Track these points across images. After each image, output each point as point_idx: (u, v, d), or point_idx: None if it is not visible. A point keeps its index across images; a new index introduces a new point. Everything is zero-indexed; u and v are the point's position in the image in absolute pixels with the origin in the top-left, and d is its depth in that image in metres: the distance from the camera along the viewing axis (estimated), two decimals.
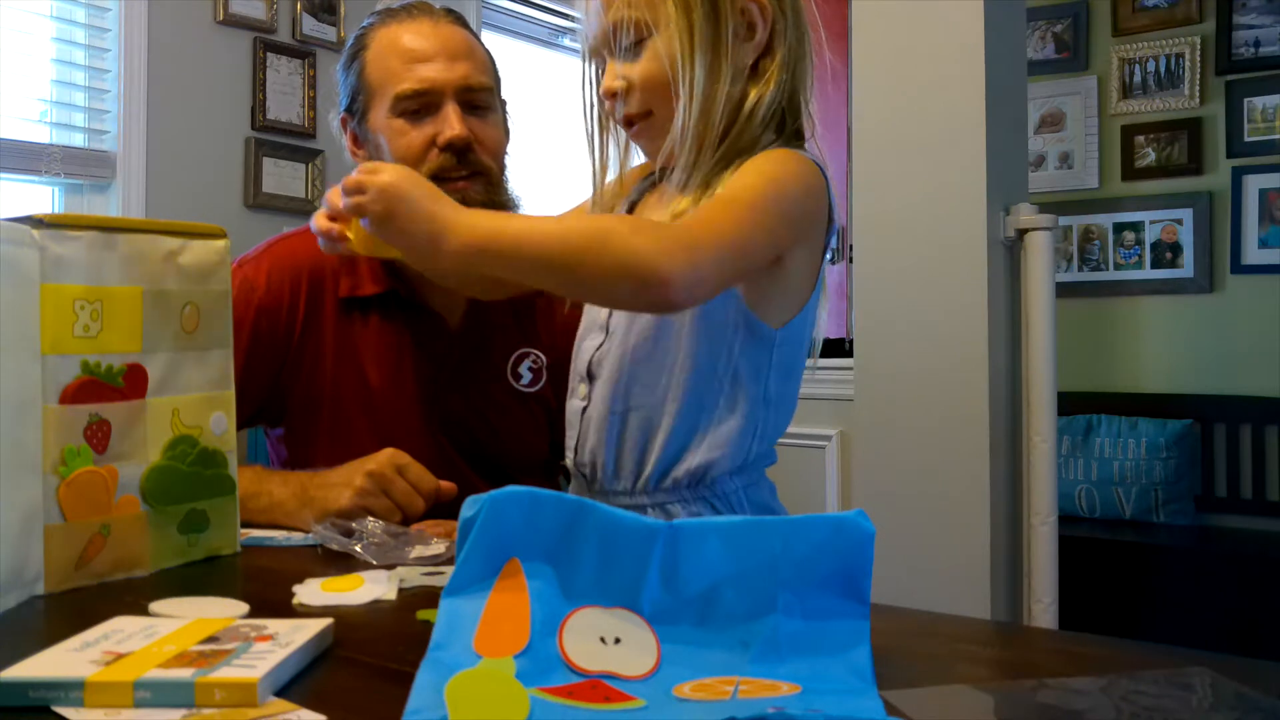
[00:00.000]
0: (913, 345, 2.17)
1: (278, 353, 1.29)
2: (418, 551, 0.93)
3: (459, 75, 1.25)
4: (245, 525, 1.03)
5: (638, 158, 1.04)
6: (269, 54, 2.73)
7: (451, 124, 1.22)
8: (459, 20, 1.32)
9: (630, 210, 1.05)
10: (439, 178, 1.18)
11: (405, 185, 0.84)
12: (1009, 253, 2.15)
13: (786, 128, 0.98)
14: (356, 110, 1.30)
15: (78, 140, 2.46)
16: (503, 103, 1.35)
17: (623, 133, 1.01)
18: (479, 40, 1.34)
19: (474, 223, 0.84)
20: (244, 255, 1.33)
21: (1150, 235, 3.54)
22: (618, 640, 0.59)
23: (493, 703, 0.53)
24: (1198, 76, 3.48)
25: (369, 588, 0.81)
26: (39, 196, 2.42)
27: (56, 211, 2.23)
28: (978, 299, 2.09)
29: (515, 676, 0.55)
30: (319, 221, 0.93)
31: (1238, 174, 3.40)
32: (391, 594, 0.80)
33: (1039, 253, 2.11)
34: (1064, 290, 3.07)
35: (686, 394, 0.94)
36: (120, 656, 0.59)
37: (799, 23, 0.98)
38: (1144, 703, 0.57)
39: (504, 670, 0.55)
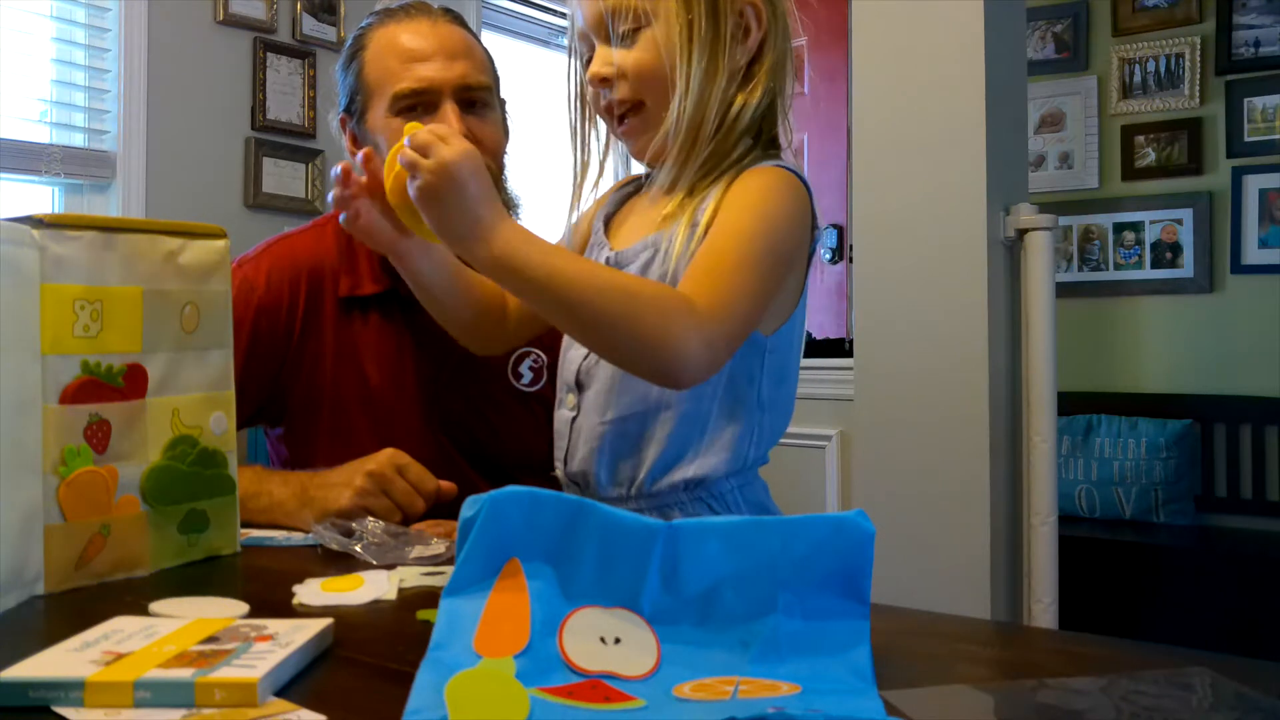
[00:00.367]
0: (913, 345, 2.17)
1: (277, 352, 1.29)
2: (418, 551, 0.93)
3: (457, 74, 1.25)
4: (245, 525, 1.03)
5: (618, 153, 1.03)
6: (269, 54, 2.73)
7: (449, 123, 1.22)
8: (457, 20, 1.32)
9: (608, 221, 1.04)
10: None
11: (465, 172, 0.84)
12: (1009, 253, 2.15)
13: (763, 135, 0.98)
14: (355, 110, 1.30)
15: (78, 140, 2.46)
16: (502, 102, 1.35)
17: (604, 128, 1.00)
18: (478, 40, 1.34)
19: (513, 240, 0.83)
20: (244, 255, 1.33)
21: (1150, 235, 3.55)
22: (618, 640, 0.59)
23: (493, 703, 0.53)
24: (1198, 76, 3.48)
25: (369, 588, 0.80)
26: (39, 196, 2.42)
27: (56, 211, 2.23)
28: (978, 299, 2.09)
29: (515, 676, 0.55)
30: (337, 190, 0.93)
31: (1238, 174, 3.40)
32: (391, 594, 0.80)
33: (1039, 253, 2.11)
34: (1064, 290, 3.07)
35: (679, 403, 0.93)
36: (120, 656, 0.59)
37: (787, 31, 0.98)
38: (1144, 703, 0.57)
39: (504, 670, 0.55)
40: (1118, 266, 3.60)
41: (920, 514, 2.13)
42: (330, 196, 0.95)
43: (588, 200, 1.04)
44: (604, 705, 0.54)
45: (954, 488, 2.10)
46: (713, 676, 0.58)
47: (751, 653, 0.59)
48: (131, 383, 0.87)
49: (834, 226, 3.72)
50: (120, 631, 0.64)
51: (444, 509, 1.12)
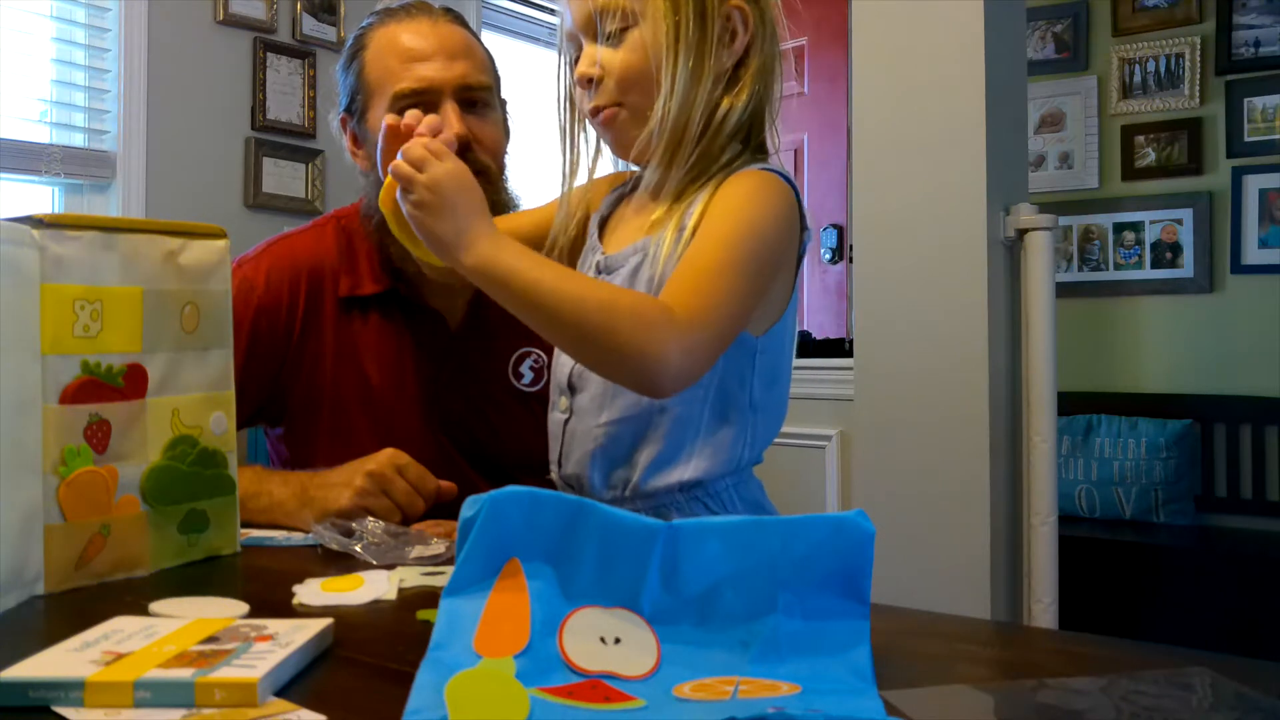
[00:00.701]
0: (913, 345, 2.17)
1: (277, 352, 1.29)
2: (418, 551, 0.93)
3: (457, 74, 1.25)
4: (245, 525, 1.03)
5: (608, 154, 1.03)
6: (269, 54, 2.73)
7: (450, 122, 1.22)
8: (458, 19, 1.32)
9: (603, 225, 1.04)
10: None
11: (453, 186, 0.85)
12: (1009, 253, 2.15)
13: (751, 140, 0.98)
14: (356, 110, 1.30)
15: (78, 140, 2.46)
16: (502, 102, 1.35)
17: (594, 130, 1.00)
18: (478, 39, 1.34)
19: (497, 251, 0.84)
20: (244, 255, 1.33)
21: (1150, 235, 3.55)
22: (618, 640, 0.59)
23: (493, 703, 0.53)
24: (1198, 76, 3.48)
25: (369, 588, 0.80)
26: (39, 196, 2.42)
27: (56, 211, 2.23)
28: (978, 299, 2.09)
29: (515, 676, 0.55)
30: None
31: (1238, 174, 3.40)
32: (391, 594, 0.80)
33: (1039, 253, 2.11)
34: (1064, 290, 3.08)
35: (671, 406, 0.93)
36: (120, 656, 0.59)
37: (774, 36, 0.98)
38: (1144, 703, 0.57)
39: (504, 670, 0.55)
40: (1118, 266, 3.60)
41: (920, 514, 2.13)
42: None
43: (578, 199, 1.04)
44: (604, 705, 0.54)
45: (954, 488, 2.10)
46: (713, 676, 0.58)
47: (751, 653, 0.59)
48: (131, 383, 0.87)
49: (834, 226, 3.72)
50: (120, 631, 0.64)
51: (444, 509, 1.12)
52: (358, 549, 0.93)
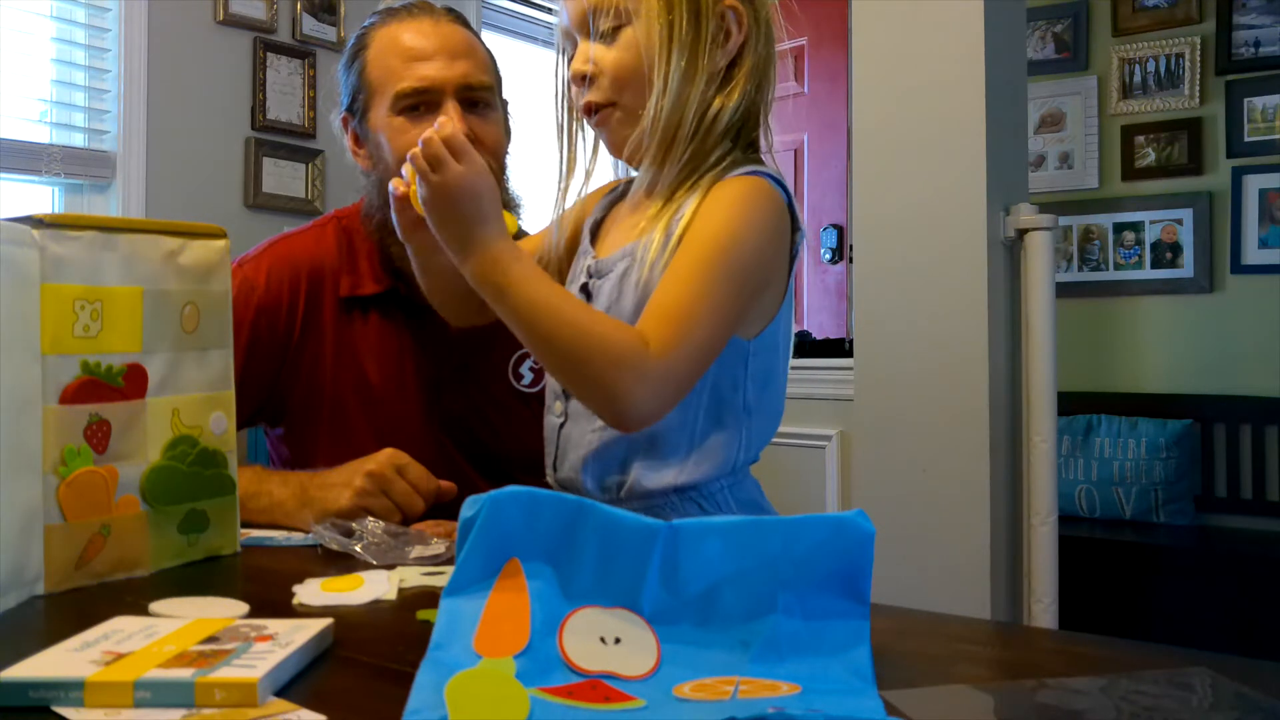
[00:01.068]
0: (913, 345, 2.17)
1: (277, 352, 1.29)
2: (418, 551, 0.93)
3: (459, 73, 1.25)
4: (245, 525, 1.03)
5: (604, 152, 1.03)
6: (269, 54, 2.73)
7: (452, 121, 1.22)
8: (459, 19, 1.32)
9: (596, 229, 1.04)
10: None
11: (465, 190, 0.86)
12: (1009, 253, 2.15)
13: (742, 139, 0.97)
14: (357, 109, 1.30)
15: (78, 140, 2.46)
16: (504, 103, 1.34)
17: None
18: (479, 39, 1.34)
19: (497, 263, 0.86)
20: (244, 255, 1.33)
21: (1150, 235, 3.55)
22: (618, 640, 0.59)
23: (493, 703, 0.53)
24: (1198, 76, 3.48)
25: (369, 588, 0.80)
26: (39, 196, 2.42)
27: (56, 211, 2.23)
28: (978, 299, 2.09)
29: (515, 676, 0.55)
30: (398, 185, 0.94)
31: (1238, 174, 3.40)
32: (391, 594, 0.80)
33: (1039, 253, 2.11)
34: (1064, 290, 3.07)
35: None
36: (120, 656, 0.59)
37: (769, 36, 0.98)
38: (1144, 703, 0.57)
39: (504, 670, 0.55)
40: (1118, 266, 3.60)
41: (920, 514, 2.13)
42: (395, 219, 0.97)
43: (573, 199, 1.04)
44: (604, 705, 0.54)
45: (954, 488, 2.10)
46: (713, 676, 0.58)
47: (751, 653, 0.59)
48: (131, 383, 0.87)
49: (834, 226, 3.72)
50: (120, 631, 0.64)
51: (444, 509, 1.12)
52: (358, 549, 0.93)
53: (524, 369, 1.35)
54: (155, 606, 0.74)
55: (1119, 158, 3.61)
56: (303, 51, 2.81)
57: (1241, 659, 0.62)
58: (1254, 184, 3.38)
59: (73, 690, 0.55)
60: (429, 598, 0.78)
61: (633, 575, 0.61)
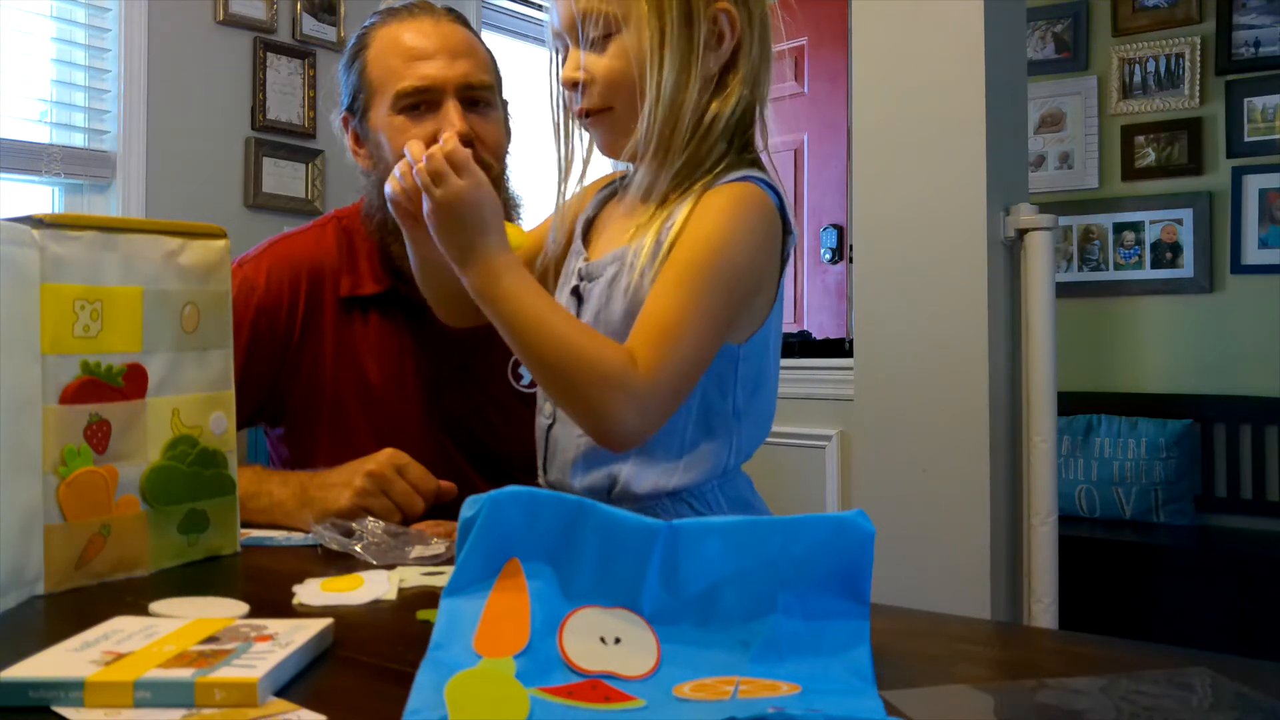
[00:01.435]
0: (913, 345, 2.17)
1: (277, 352, 1.29)
2: (418, 551, 0.93)
3: (459, 73, 1.25)
4: (245, 525, 1.03)
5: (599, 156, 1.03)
6: (269, 54, 2.73)
7: (452, 121, 1.22)
8: (460, 19, 1.32)
9: (589, 225, 1.04)
10: None
11: (466, 204, 0.87)
12: (1009, 253, 2.15)
13: (738, 139, 0.96)
14: (358, 109, 1.30)
15: (78, 140, 2.46)
16: (504, 103, 1.35)
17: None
18: (480, 39, 1.34)
19: (492, 274, 0.86)
20: (244, 255, 1.33)
21: (1150, 235, 3.54)
22: (618, 640, 0.59)
23: (493, 703, 0.53)
24: (1198, 76, 3.48)
25: (369, 588, 0.80)
26: (39, 196, 2.42)
27: (56, 211, 2.23)
28: (978, 299, 2.09)
29: (515, 676, 0.55)
30: (393, 185, 0.94)
31: (1238, 174, 3.40)
32: (391, 594, 0.80)
33: (1039, 253, 2.11)
34: (1064, 290, 3.07)
35: None
36: (120, 656, 0.59)
37: (765, 38, 0.97)
38: (1144, 703, 0.57)
39: (504, 670, 0.55)
40: (1118, 266, 3.60)
41: (920, 514, 2.13)
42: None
43: (572, 213, 1.04)
44: (604, 705, 0.54)
45: (954, 488, 2.10)
46: (713, 676, 0.58)
47: (751, 653, 0.59)
48: (131, 383, 0.87)
49: (834, 226, 3.72)
50: (120, 631, 0.64)
51: (444, 509, 1.12)
52: (358, 549, 0.93)
53: (523, 369, 1.35)
54: (155, 606, 0.74)
55: (1119, 158, 3.61)
56: (303, 51, 2.81)
57: (1241, 659, 0.62)
58: (1254, 184, 3.38)
59: (73, 690, 0.55)
60: (429, 598, 0.78)
61: (633, 575, 0.61)
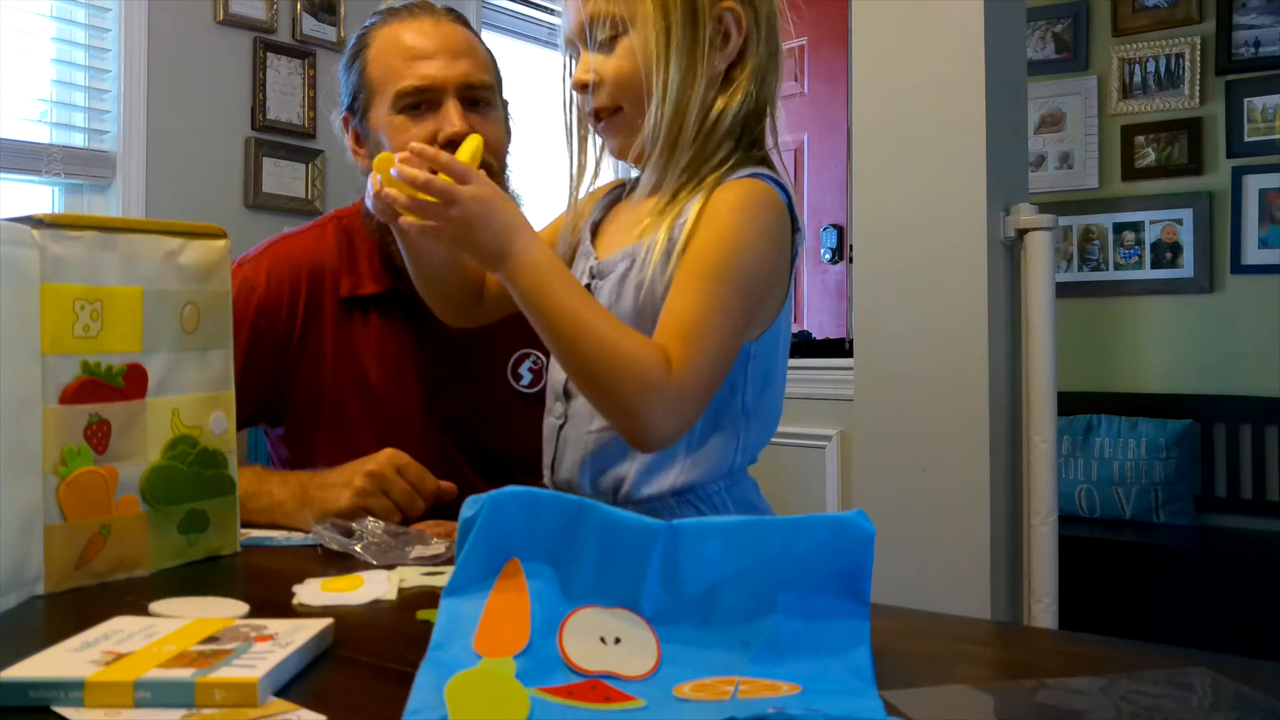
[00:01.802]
0: (913, 345, 2.17)
1: (277, 352, 1.29)
2: (418, 551, 0.93)
3: (460, 72, 1.25)
4: (245, 525, 1.03)
5: (610, 157, 1.03)
6: (269, 54, 2.73)
7: (452, 120, 1.23)
8: (460, 19, 1.32)
9: (595, 229, 1.04)
10: None
11: (482, 208, 0.86)
12: (1009, 253, 2.15)
13: (745, 137, 0.97)
14: (358, 108, 1.31)
15: (78, 140, 2.45)
16: (504, 102, 1.35)
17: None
18: (480, 39, 1.34)
19: (527, 272, 0.86)
20: (244, 255, 1.34)
21: (1150, 235, 3.54)
22: (618, 640, 0.59)
23: (493, 703, 0.53)
24: (1198, 76, 3.48)
25: (369, 588, 0.80)
26: (39, 196, 2.42)
27: (56, 211, 2.23)
28: (978, 299, 2.09)
29: (515, 676, 0.55)
30: (376, 189, 0.92)
31: (1238, 174, 3.40)
32: (391, 594, 0.80)
33: (1039, 253, 2.11)
34: (1064, 290, 3.07)
35: None
36: (120, 656, 0.59)
37: (772, 36, 0.98)
38: (1144, 703, 0.57)
39: (504, 670, 0.55)
40: (1118, 266, 3.60)
41: (920, 514, 2.13)
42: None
43: (586, 202, 1.05)
44: (604, 705, 0.54)
45: (954, 488, 2.10)
46: (713, 676, 0.58)
47: (751, 653, 0.59)
48: (131, 383, 0.87)
49: (834, 226, 3.72)
50: (120, 631, 0.64)
51: (444, 509, 1.12)
52: (358, 549, 0.93)
53: (523, 369, 1.35)
54: (155, 606, 0.74)
55: (1119, 158, 3.61)
56: (303, 51, 2.81)
57: (1241, 659, 0.62)
58: (1254, 184, 3.38)
59: (73, 690, 0.55)
60: (429, 598, 0.78)
61: (633, 575, 0.61)
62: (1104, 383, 3.56)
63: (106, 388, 0.85)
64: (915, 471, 2.16)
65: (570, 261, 1.05)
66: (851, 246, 2.59)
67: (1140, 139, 3.57)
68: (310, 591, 0.80)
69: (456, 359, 1.32)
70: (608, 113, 0.96)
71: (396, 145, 1.25)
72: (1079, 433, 3.39)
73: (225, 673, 0.56)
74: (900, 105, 2.20)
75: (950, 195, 2.12)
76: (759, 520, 0.63)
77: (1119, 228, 3.60)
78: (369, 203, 0.93)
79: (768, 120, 0.99)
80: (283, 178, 2.75)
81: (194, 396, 0.92)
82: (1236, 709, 0.55)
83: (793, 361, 1.03)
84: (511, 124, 1.35)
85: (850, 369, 2.38)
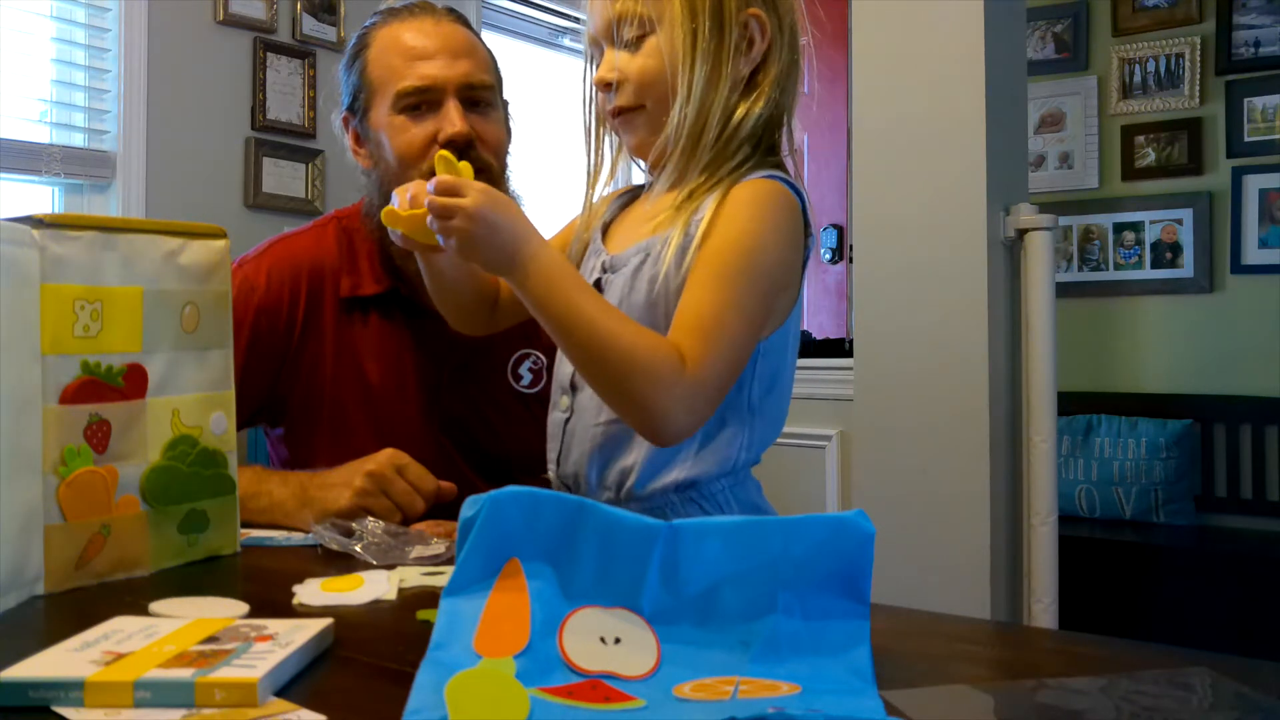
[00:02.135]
0: (913, 345, 2.17)
1: (277, 352, 1.29)
2: (418, 551, 0.93)
3: (460, 72, 1.25)
4: (245, 525, 1.03)
5: (630, 156, 1.03)
6: (269, 54, 2.73)
7: (452, 120, 1.23)
8: (460, 19, 1.32)
9: (606, 229, 1.04)
10: None
11: (490, 218, 0.85)
12: (1009, 253, 2.15)
13: (763, 143, 0.98)
14: (358, 108, 1.31)
15: (78, 140, 2.45)
16: (505, 102, 1.35)
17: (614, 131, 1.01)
18: (480, 39, 1.34)
19: (537, 275, 0.86)
20: (244, 255, 1.34)
21: (1150, 235, 3.55)
22: (618, 640, 0.59)
23: (493, 703, 0.53)
24: (1198, 76, 3.48)
25: (369, 588, 0.80)
26: (39, 196, 2.42)
27: (56, 211, 2.23)
28: (978, 299, 2.09)
29: (515, 676, 0.55)
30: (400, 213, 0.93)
31: (1238, 174, 3.40)
32: (391, 594, 0.80)
33: (1039, 253, 2.11)
34: (1064, 290, 3.07)
35: None
36: (120, 656, 0.59)
37: (794, 43, 0.99)
38: (1144, 703, 0.57)
39: (504, 670, 0.55)
40: (1118, 266, 3.60)
41: (920, 514, 2.13)
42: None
43: (601, 202, 1.05)
44: (604, 705, 0.54)
45: (954, 488, 2.10)
46: (713, 676, 0.58)
47: (751, 653, 0.59)
48: (131, 383, 0.87)
49: (834, 226, 3.72)
50: (120, 631, 0.64)
51: (444, 509, 1.12)
52: (358, 549, 0.93)
53: (523, 370, 1.35)
54: (155, 606, 0.74)
55: (1119, 158, 3.61)
56: (303, 51, 2.81)
57: (1241, 659, 0.62)
58: (1254, 184, 3.38)
59: (73, 690, 0.55)
60: (429, 598, 0.78)
61: (633, 575, 0.61)
62: (1104, 383, 3.56)
63: (106, 388, 0.85)
64: (915, 471, 2.16)
65: (580, 261, 1.05)
66: (851, 246, 2.59)
67: (1140, 139, 3.57)
68: (310, 591, 0.80)
69: (456, 359, 1.32)
70: (626, 111, 0.97)
71: (397, 145, 1.25)
72: (1079, 433, 3.39)
73: (225, 673, 0.56)
74: (900, 105, 2.20)
75: (950, 195, 2.12)
76: (759, 520, 0.63)
77: (1119, 228, 3.60)
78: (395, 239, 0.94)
79: (785, 127, 1.00)
80: (283, 178, 2.75)
81: (194, 396, 0.92)
82: (1236, 709, 0.55)
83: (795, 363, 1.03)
84: (512, 124, 1.35)
85: (850, 369, 2.38)
